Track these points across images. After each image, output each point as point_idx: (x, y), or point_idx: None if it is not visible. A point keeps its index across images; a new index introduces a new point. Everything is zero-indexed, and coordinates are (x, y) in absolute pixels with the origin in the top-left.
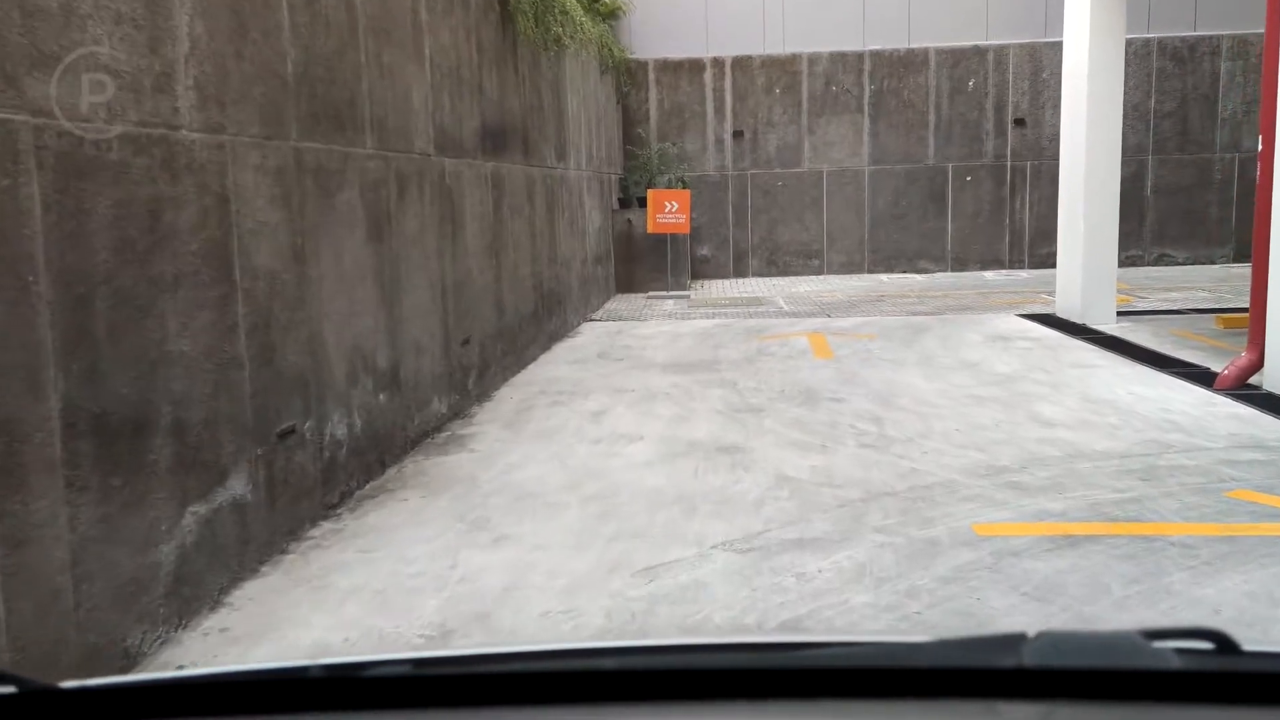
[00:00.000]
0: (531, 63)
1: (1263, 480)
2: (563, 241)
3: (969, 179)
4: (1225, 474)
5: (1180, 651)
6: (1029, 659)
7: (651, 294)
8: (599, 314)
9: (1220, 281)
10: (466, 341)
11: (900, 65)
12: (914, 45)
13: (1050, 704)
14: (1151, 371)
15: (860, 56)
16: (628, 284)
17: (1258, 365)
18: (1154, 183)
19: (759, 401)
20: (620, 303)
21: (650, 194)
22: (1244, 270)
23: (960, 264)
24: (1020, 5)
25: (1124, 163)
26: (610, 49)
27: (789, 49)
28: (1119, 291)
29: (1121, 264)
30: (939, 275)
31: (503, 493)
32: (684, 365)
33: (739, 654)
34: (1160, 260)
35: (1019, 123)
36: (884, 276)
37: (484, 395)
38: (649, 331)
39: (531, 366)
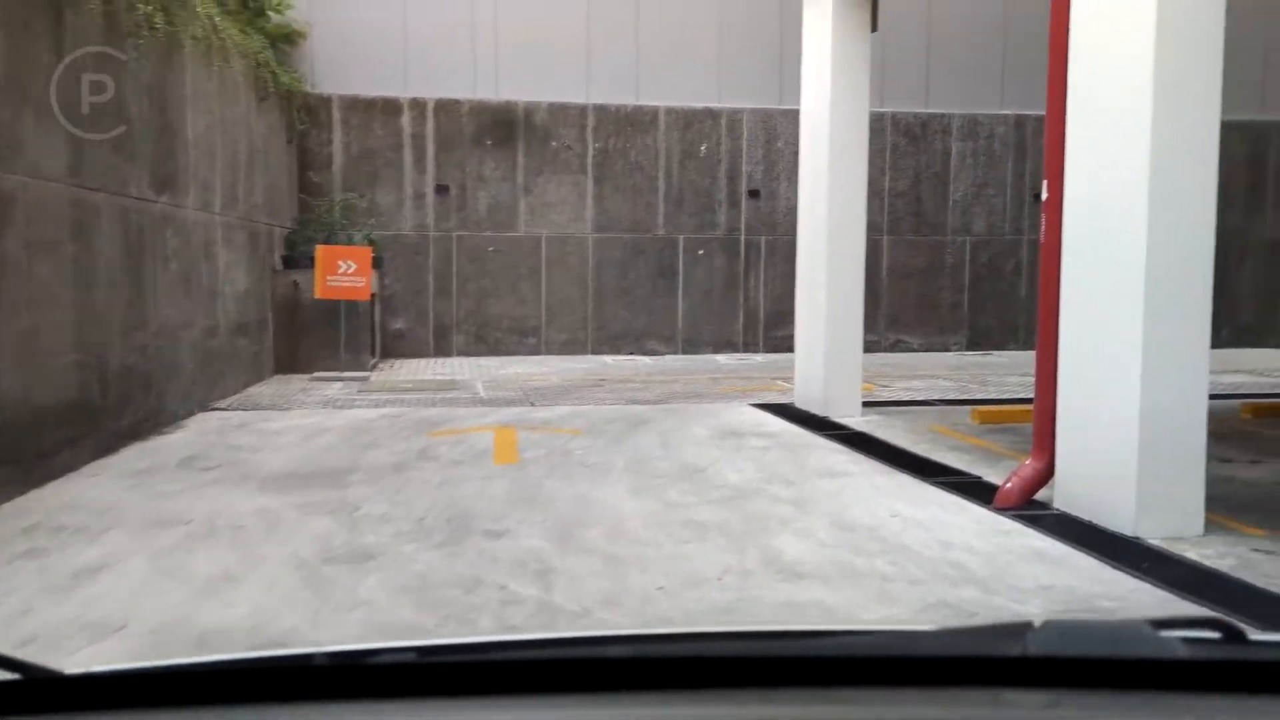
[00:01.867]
0: (99, 46)
1: None
2: (162, 302)
3: (701, 252)
4: None
5: (1187, 640)
6: (1034, 648)
7: (319, 375)
8: (231, 400)
9: (958, 370)
10: None
11: (627, 123)
12: (643, 102)
13: (1056, 693)
14: (915, 482)
15: (584, 110)
16: (291, 362)
17: (1046, 476)
18: (889, 264)
19: (377, 541)
20: (273, 386)
21: (319, 251)
22: (978, 358)
23: (692, 346)
24: (754, 68)
25: None
26: (274, 72)
27: (503, 95)
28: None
29: None
30: (668, 358)
31: None
32: (301, 476)
33: (747, 643)
34: (896, 346)
35: (753, 194)
36: (609, 358)
37: None
38: (284, 425)
39: (59, 482)
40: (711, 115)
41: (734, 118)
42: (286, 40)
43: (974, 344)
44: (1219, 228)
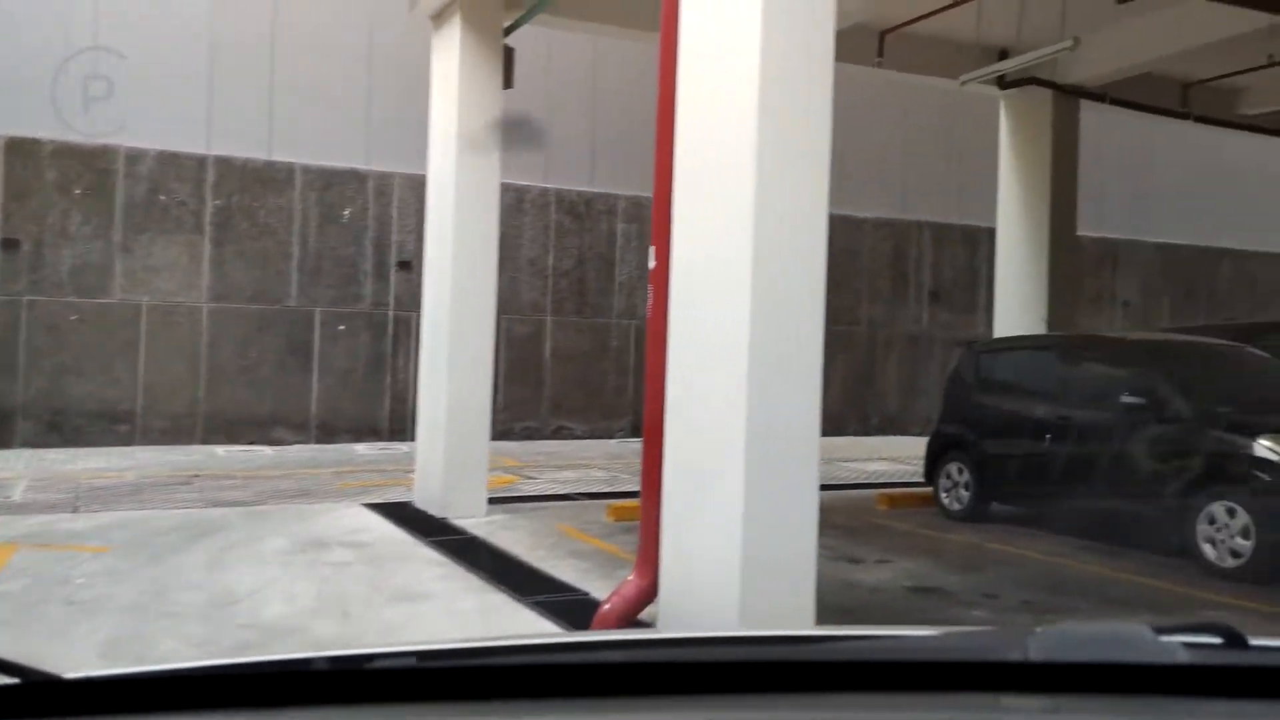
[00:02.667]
0: None
1: None
2: None
3: (342, 328)
4: None
5: (1189, 646)
6: (1035, 653)
7: None
8: None
9: (616, 458)
10: None
11: (256, 180)
12: (276, 158)
13: (1057, 697)
14: (508, 603)
15: (202, 162)
16: None
17: (650, 594)
18: (553, 346)
19: None
20: None
21: None
22: (639, 446)
23: (328, 433)
24: (407, 129)
25: (521, 322)
26: None
27: (100, 138)
28: (507, 470)
29: (517, 437)
30: (297, 448)
31: None
32: None
33: (746, 648)
34: (559, 433)
35: (404, 266)
36: (222, 449)
37: None
38: None
39: None
40: (357, 177)
41: (384, 181)
42: None
43: (638, 430)
44: (867, 319)
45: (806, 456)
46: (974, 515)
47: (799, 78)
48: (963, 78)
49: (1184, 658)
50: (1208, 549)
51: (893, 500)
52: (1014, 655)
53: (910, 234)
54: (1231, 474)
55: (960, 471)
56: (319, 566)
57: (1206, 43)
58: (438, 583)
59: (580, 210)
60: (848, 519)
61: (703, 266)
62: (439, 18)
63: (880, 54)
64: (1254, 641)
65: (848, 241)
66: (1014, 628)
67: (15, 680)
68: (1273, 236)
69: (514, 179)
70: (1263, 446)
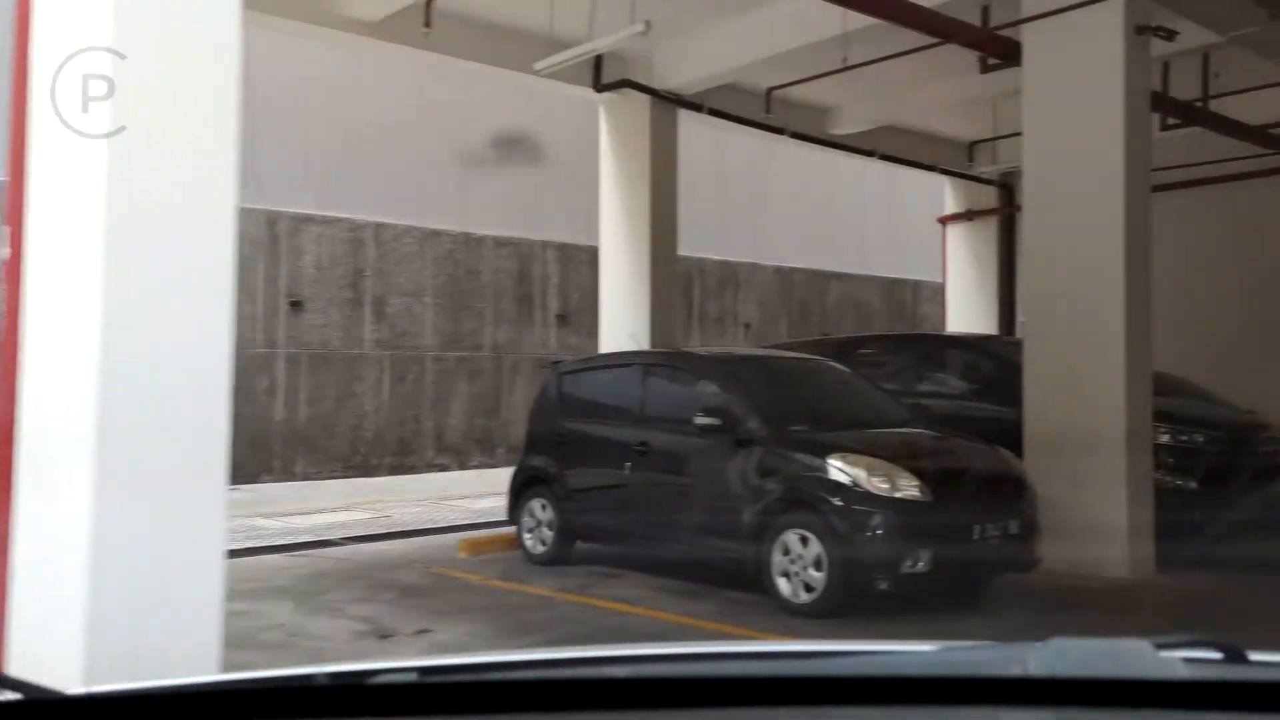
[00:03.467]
0: None
1: None
2: None
3: None
4: None
5: (1188, 660)
6: (1034, 668)
7: None
8: None
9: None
10: None
11: None
12: None
13: (1056, 711)
14: None
15: None
16: None
17: None
18: None
19: None
20: None
21: None
22: (275, 490)
23: None
24: None
25: None
26: None
27: None
28: None
29: None
30: None
31: None
32: None
33: (750, 662)
34: None
35: None
36: None
37: None
38: None
39: None
40: None
41: None
42: None
43: (289, 472)
44: (491, 344)
45: (205, 493)
46: (558, 558)
47: (178, 32)
48: (537, 65)
49: (1183, 672)
50: (782, 583)
51: (477, 545)
52: (1013, 670)
53: (535, 254)
54: (804, 498)
55: (544, 508)
56: None
57: (789, 49)
58: None
59: None
60: (416, 574)
61: (56, 258)
62: None
63: (428, 24)
64: (1253, 656)
65: (469, 260)
66: (1013, 643)
67: (18, 696)
68: (872, 260)
69: None
70: (834, 467)
